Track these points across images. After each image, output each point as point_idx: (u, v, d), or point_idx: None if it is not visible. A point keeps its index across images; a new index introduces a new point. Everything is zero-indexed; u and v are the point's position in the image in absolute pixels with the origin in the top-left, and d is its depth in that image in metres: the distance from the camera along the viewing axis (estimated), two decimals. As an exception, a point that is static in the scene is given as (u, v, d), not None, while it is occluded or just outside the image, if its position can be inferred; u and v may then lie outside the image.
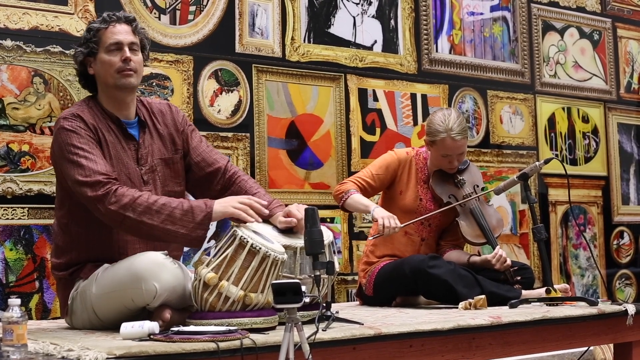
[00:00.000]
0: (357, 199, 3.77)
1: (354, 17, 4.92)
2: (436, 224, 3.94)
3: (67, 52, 3.82)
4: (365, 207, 3.74)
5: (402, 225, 3.68)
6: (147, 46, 3.04)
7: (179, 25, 4.26)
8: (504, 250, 3.84)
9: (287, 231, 2.92)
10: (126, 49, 2.90)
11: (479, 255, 3.97)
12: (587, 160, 6.01)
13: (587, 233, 5.92)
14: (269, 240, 2.70)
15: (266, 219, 2.96)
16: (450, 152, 3.79)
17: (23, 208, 3.69)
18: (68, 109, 2.99)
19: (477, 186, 3.97)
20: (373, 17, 5.00)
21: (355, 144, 4.82)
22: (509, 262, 3.79)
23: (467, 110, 5.34)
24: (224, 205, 2.76)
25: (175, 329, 2.46)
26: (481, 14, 5.53)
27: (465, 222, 3.89)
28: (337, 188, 3.87)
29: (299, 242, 2.81)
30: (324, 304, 2.77)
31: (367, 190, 3.86)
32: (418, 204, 3.86)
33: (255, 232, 2.71)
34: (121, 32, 2.92)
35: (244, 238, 2.63)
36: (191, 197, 3.25)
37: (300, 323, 2.28)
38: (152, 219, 2.70)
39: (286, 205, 2.99)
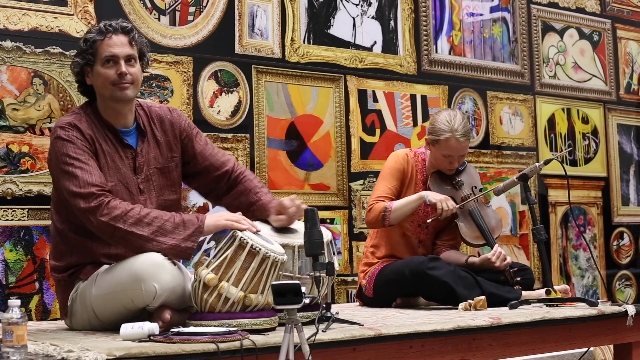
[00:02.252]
0: (399, 204, 3.75)
1: (353, 18, 4.92)
2: (433, 226, 3.94)
3: (66, 53, 3.82)
4: (417, 199, 3.74)
5: (458, 205, 3.76)
6: (147, 53, 3.00)
7: (179, 27, 4.26)
8: (503, 250, 3.84)
9: (284, 229, 2.93)
10: (122, 62, 2.88)
11: (479, 256, 3.97)
12: (587, 161, 6.01)
13: (587, 234, 5.92)
14: (269, 241, 2.70)
15: (265, 220, 2.98)
16: (452, 152, 3.79)
17: (23, 209, 3.69)
18: (65, 116, 2.97)
19: (475, 187, 3.97)
20: (373, 18, 5.00)
21: (355, 144, 4.81)
22: (509, 260, 3.79)
23: (466, 111, 5.34)
24: (216, 219, 2.77)
25: (175, 330, 2.47)
26: (481, 15, 5.53)
27: (464, 224, 3.89)
28: (370, 216, 3.79)
29: (297, 240, 2.81)
30: (324, 305, 2.77)
31: None
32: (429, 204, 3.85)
33: (255, 232, 2.71)
34: (117, 45, 2.89)
35: (244, 239, 2.63)
36: (191, 198, 3.25)
37: (300, 324, 2.28)
38: (142, 231, 2.70)
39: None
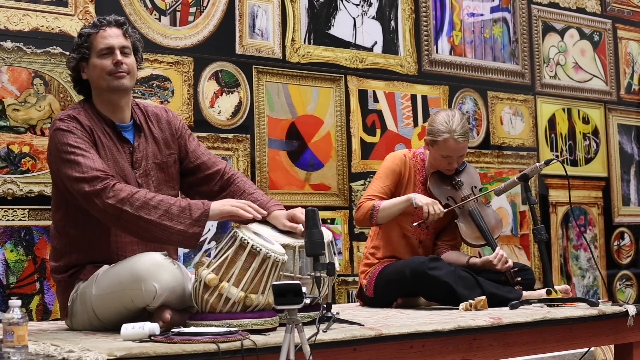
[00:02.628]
0: (387, 204, 3.75)
1: (354, 19, 4.92)
2: (434, 226, 3.94)
3: (67, 53, 3.81)
4: (405, 201, 3.73)
5: (445, 210, 3.72)
6: (140, 49, 3.04)
7: (179, 27, 4.26)
8: (504, 251, 3.84)
9: (286, 231, 2.93)
10: (117, 52, 2.91)
11: (480, 256, 3.97)
12: (588, 161, 6.01)
13: (588, 234, 5.92)
14: (269, 242, 2.70)
15: (264, 219, 2.97)
16: (451, 153, 3.79)
17: (23, 209, 3.69)
18: (63, 111, 3.00)
19: (475, 187, 3.97)
20: (373, 18, 5.00)
21: (356, 145, 4.81)
22: (510, 263, 3.78)
23: (467, 112, 5.34)
24: (222, 204, 2.77)
25: (176, 330, 2.47)
26: (481, 15, 5.53)
27: (464, 224, 3.89)
28: (359, 213, 3.81)
29: (298, 241, 2.81)
30: (325, 305, 2.77)
31: None
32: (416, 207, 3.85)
33: (255, 233, 2.71)
34: (112, 36, 2.92)
35: (245, 239, 2.63)
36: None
37: (300, 324, 2.28)
38: (149, 214, 2.70)
39: (287, 208, 3.00)
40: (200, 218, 2.73)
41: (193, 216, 2.72)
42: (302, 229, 2.86)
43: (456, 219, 3.90)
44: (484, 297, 3.47)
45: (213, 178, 3.10)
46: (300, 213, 2.89)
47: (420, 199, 3.70)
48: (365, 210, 3.77)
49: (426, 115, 5.09)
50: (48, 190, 3.69)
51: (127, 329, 2.45)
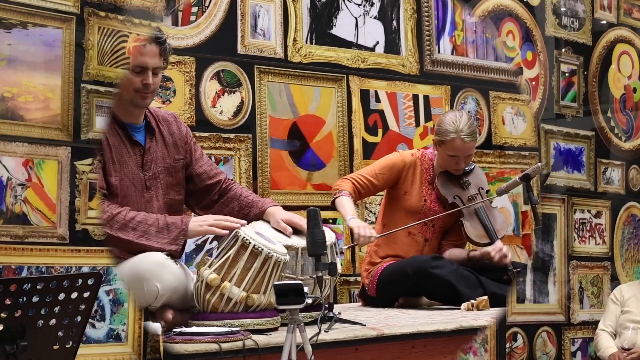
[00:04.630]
0: (342, 202, 3.79)
1: (356, 18, 4.91)
2: (440, 225, 3.94)
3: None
4: (344, 215, 3.76)
5: (378, 235, 3.74)
6: (169, 58, 3.05)
7: (181, 27, 4.26)
8: (505, 247, 3.83)
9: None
10: (149, 73, 2.91)
11: (481, 255, 3.97)
12: (590, 161, 6.00)
13: (590, 234, 5.91)
14: (271, 242, 2.70)
15: (260, 217, 2.99)
16: (458, 152, 3.81)
17: (25, 209, 3.69)
18: None
19: (482, 188, 3.99)
20: (375, 18, 4.99)
21: (358, 145, 4.81)
22: (509, 257, 3.78)
23: (469, 112, 5.34)
24: (199, 223, 2.81)
25: (178, 329, 2.47)
26: (483, 15, 5.53)
27: (469, 223, 3.90)
28: (336, 183, 3.93)
29: (301, 242, 2.81)
30: (326, 305, 2.78)
31: (367, 189, 3.88)
32: (422, 205, 3.86)
33: (257, 233, 2.71)
34: (149, 54, 2.91)
35: (246, 239, 2.64)
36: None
37: (302, 324, 2.28)
38: (127, 235, 2.74)
39: (288, 208, 3.01)
40: (178, 237, 2.79)
41: (171, 236, 2.78)
42: (291, 231, 2.89)
43: (462, 217, 3.91)
44: (485, 297, 3.47)
45: (213, 188, 3.15)
46: (298, 219, 2.90)
47: (353, 222, 3.68)
48: (336, 188, 3.85)
49: (428, 116, 5.09)
50: (50, 190, 3.68)
51: (129, 328, 2.45)
